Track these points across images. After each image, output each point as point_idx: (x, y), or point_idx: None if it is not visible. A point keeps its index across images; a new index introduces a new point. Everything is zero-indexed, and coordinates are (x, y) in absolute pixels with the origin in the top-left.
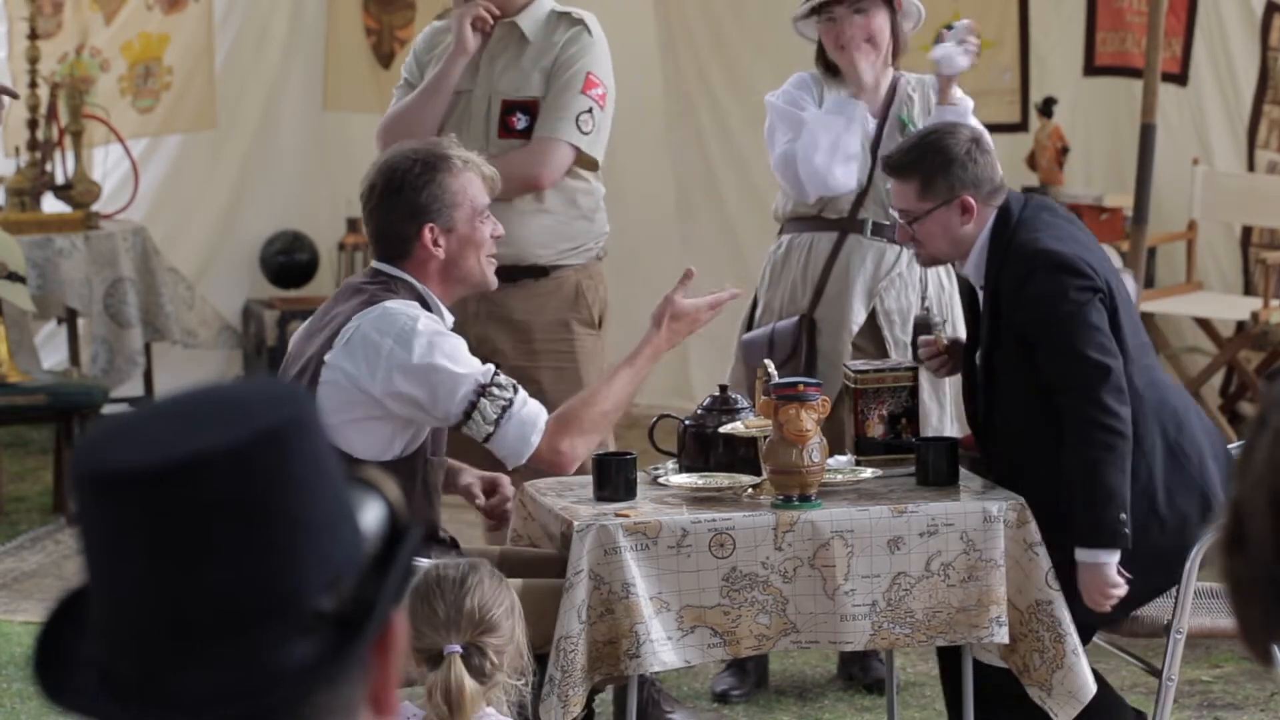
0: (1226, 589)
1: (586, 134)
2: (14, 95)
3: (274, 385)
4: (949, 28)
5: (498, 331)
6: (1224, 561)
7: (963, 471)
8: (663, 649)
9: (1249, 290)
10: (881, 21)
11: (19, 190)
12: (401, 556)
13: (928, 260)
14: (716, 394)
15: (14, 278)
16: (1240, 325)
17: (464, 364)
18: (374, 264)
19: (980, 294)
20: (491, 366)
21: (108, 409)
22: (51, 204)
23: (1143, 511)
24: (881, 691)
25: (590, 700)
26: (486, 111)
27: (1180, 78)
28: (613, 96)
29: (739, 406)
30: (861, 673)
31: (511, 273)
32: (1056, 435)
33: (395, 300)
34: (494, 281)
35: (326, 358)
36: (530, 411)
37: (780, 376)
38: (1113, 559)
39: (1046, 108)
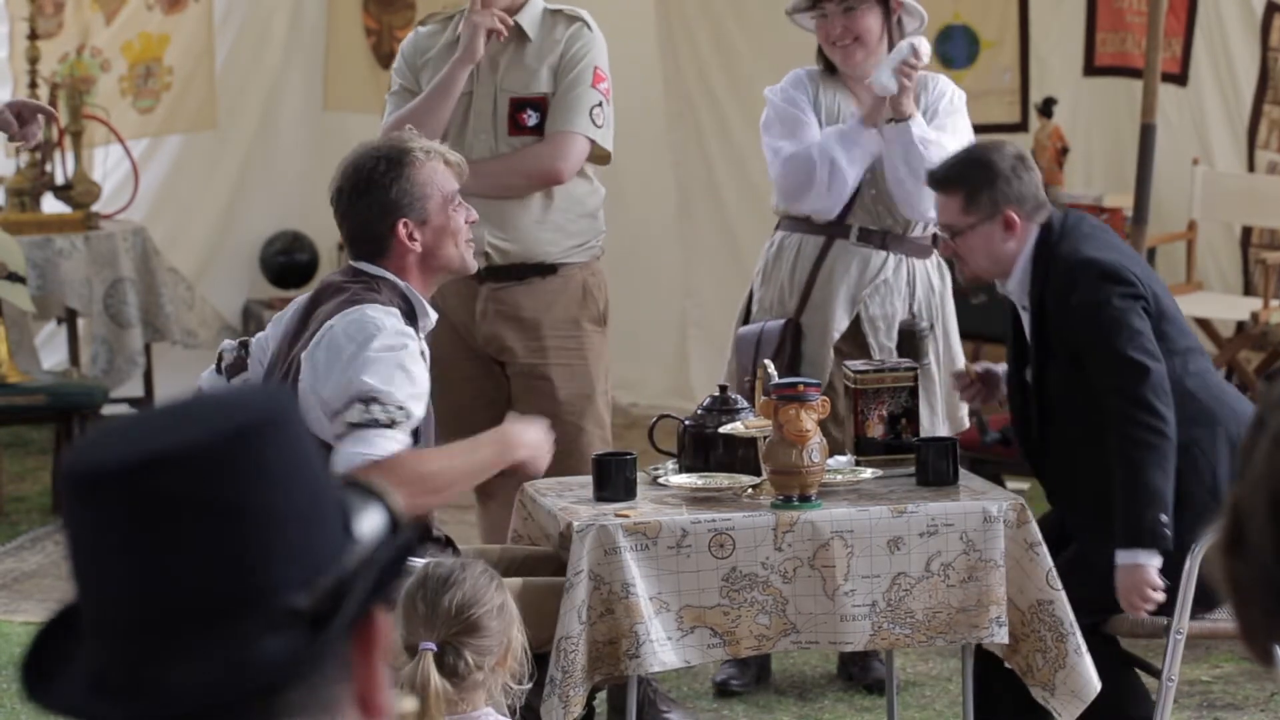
0: (1226, 590)
1: (600, 127)
2: (53, 116)
3: (261, 387)
4: (916, 44)
5: (507, 330)
6: (1223, 562)
7: (963, 471)
8: (662, 649)
9: (1249, 290)
10: (871, 21)
11: (19, 190)
12: (378, 556)
13: (969, 278)
14: (716, 394)
15: (14, 278)
16: (1240, 325)
17: (392, 384)
18: (352, 262)
19: (1023, 313)
20: (416, 412)
21: (108, 409)
22: (51, 204)
23: (1212, 511)
24: (881, 692)
25: (590, 700)
26: (493, 110)
27: (1180, 78)
28: (612, 93)
29: (739, 407)
30: (861, 673)
31: (520, 270)
32: (1112, 446)
33: (374, 306)
34: (474, 265)
35: (302, 354)
36: (383, 444)
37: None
38: (1152, 560)
39: (1046, 108)
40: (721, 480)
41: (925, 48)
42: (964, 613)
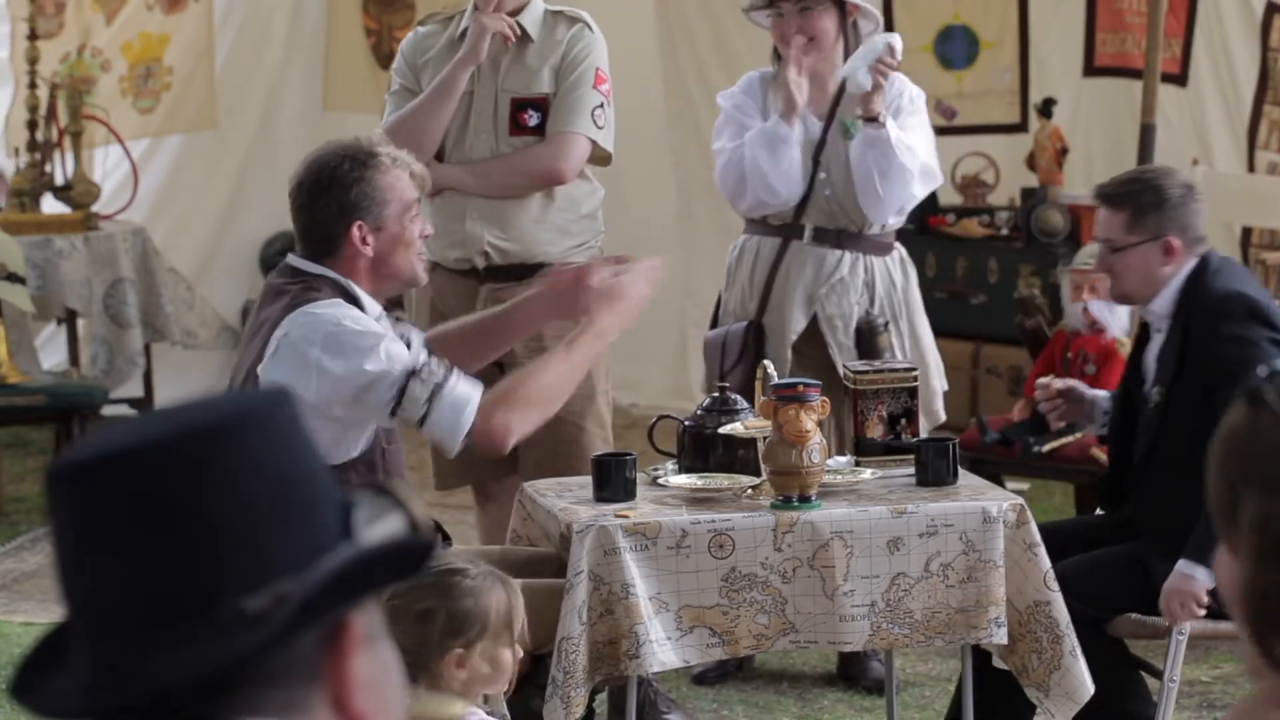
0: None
1: (601, 128)
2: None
3: (257, 389)
4: (896, 39)
5: None
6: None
7: (962, 472)
8: (662, 649)
9: None
10: (827, 22)
11: (19, 191)
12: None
13: (1118, 297)
14: (716, 394)
15: (14, 278)
16: None
17: (388, 357)
18: (290, 260)
19: (1156, 335)
20: (423, 354)
21: (107, 410)
22: (51, 205)
23: None
24: (881, 692)
25: (590, 701)
26: (494, 110)
27: (1180, 78)
28: (613, 94)
29: (738, 407)
30: (860, 674)
31: (519, 271)
32: None
33: (318, 302)
34: (424, 278)
35: (259, 370)
36: (463, 390)
37: (729, 381)
38: (1207, 580)
39: (1046, 108)
40: (721, 481)
41: (899, 45)
42: (963, 613)
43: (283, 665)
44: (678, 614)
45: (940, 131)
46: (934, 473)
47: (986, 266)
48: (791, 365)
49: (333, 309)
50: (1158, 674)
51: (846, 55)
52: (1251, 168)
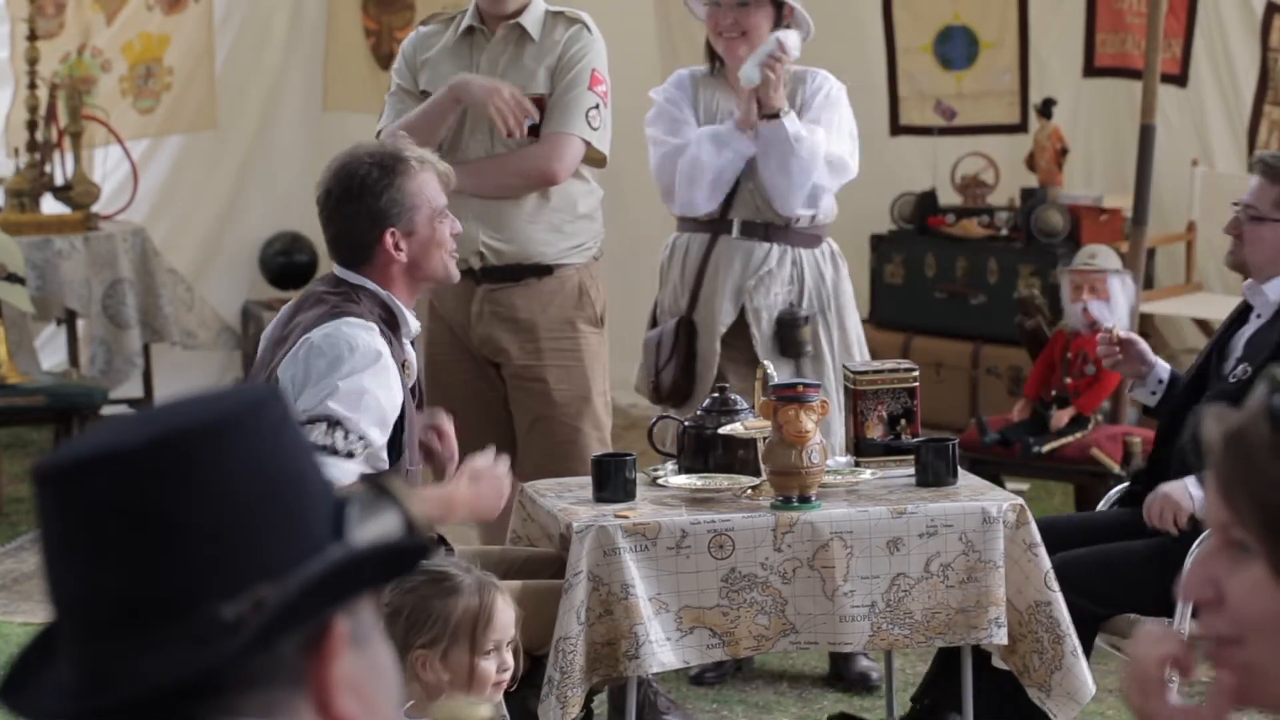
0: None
1: (595, 129)
2: None
3: (238, 389)
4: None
5: (503, 332)
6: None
7: (962, 472)
8: (662, 650)
9: None
10: (761, 19)
11: (18, 191)
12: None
13: (1235, 264)
14: (716, 395)
15: (13, 279)
16: None
17: (358, 411)
18: (335, 270)
19: (1255, 320)
20: (376, 440)
21: (107, 410)
22: (51, 205)
23: None
24: (869, 690)
25: (588, 701)
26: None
27: (1180, 79)
28: (610, 95)
29: (738, 408)
30: (847, 671)
31: (516, 271)
32: None
33: (353, 317)
34: (456, 275)
35: (279, 369)
36: (336, 475)
37: (661, 378)
38: (1201, 508)
39: (1046, 109)
40: (721, 481)
41: (792, 42)
42: (963, 613)
43: (263, 669)
44: (677, 615)
45: (940, 132)
46: (933, 473)
47: (986, 267)
48: (720, 359)
49: (361, 332)
50: None
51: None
52: (1251, 168)
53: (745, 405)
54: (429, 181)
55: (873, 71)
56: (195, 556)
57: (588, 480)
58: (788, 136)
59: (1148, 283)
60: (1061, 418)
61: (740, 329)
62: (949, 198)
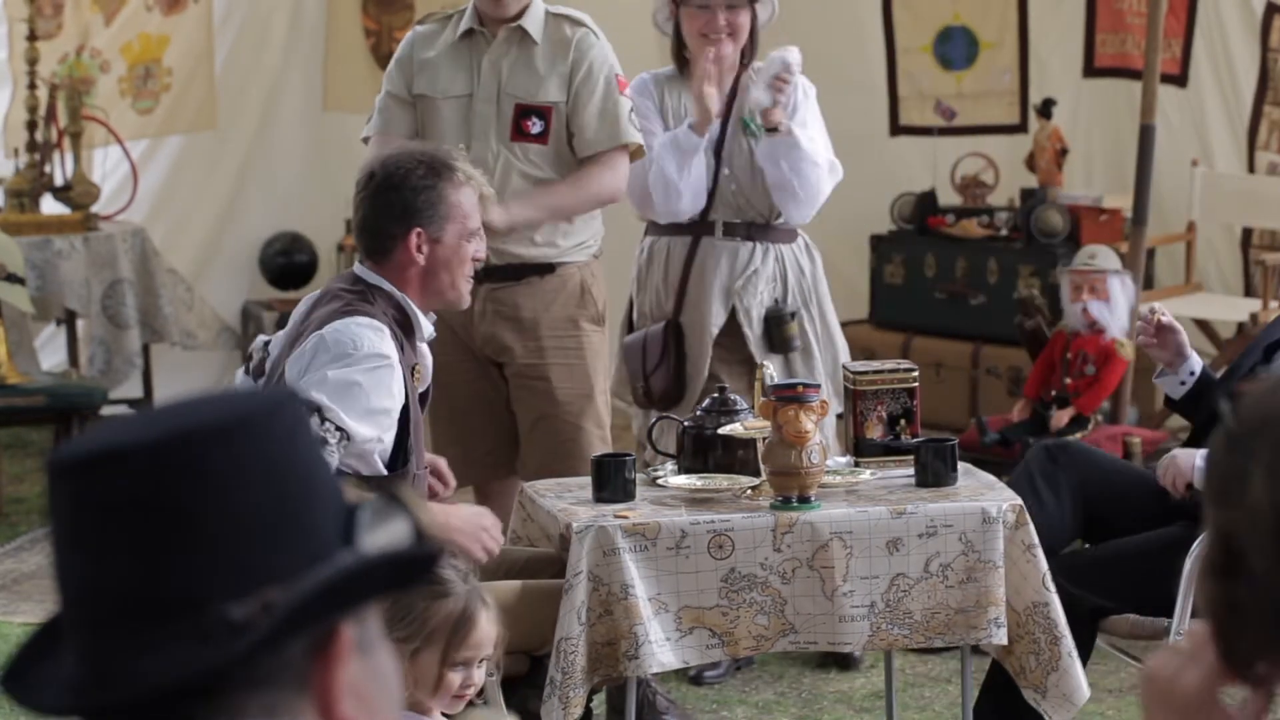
0: (1214, 612)
1: (639, 130)
2: None
3: (253, 390)
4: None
5: (506, 330)
6: (1214, 586)
7: (961, 472)
8: (661, 650)
9: (1249, 292)
10: (746, 18)
11: (18, 191)
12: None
13: None
14: (715, 395)
15: (13, 279)
16: (1240, 327)
17: (341, 403)
18: (355, 268)
19: None
20: (360, 433)
21: (106, 410)
22: (51, 205)
23: None
24: (849, 667)
25: (588, 701)
26: (496, 114)
27: (1180, 79)
28: None
29: (738, 408)
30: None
31: (518, 270)
32: None
33: (365, 316)
34: (466, 301)
35: (288, 363)
36: None
37: (651, 383)
38: (1199, 477)
39: (1046, 109)
40: (721, 481)
41: (795, 59)
42: (962, 614)
43: (268, 671)
44: (677, 615)
45: (940, 132)
46: (933, 473)
47: (986, 267)
48: (712, 360)
49: (369, 332)
50: None
51: (743, 55)
52: (1251, 168)
53: (745, 405)
54: (469, 198)
55: (872, 71)
56: (205, 555)
57: (587, 480)
58: (801, 147)
59: (1147, 283)
60: (1061, 418)
61: (729, 329)
62: (949, 198)
